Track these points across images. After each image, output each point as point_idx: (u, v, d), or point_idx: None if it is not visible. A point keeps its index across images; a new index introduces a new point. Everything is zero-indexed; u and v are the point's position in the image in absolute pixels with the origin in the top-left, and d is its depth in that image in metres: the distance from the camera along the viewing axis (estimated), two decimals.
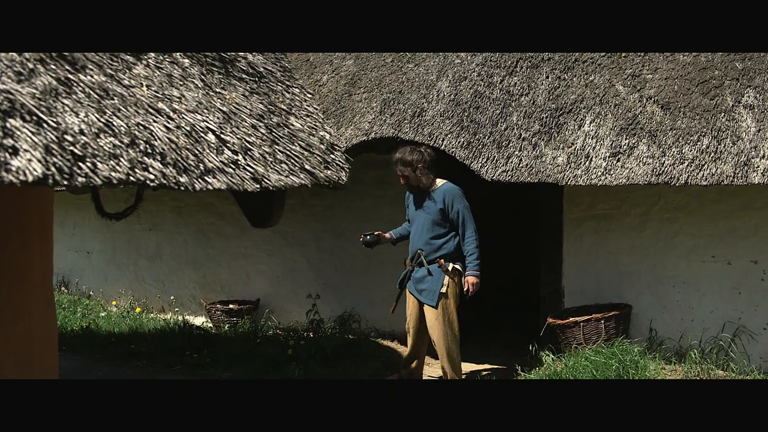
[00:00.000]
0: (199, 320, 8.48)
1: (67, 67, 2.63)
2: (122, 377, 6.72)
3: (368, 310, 7.73)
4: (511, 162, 6.08)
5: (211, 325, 8.15)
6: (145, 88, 2.86)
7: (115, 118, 2.57)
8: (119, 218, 3.95)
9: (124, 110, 2.65)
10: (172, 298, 8.94)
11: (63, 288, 9.91)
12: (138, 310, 8.86)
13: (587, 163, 5.89)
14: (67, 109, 2.45)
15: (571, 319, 6.36)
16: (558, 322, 6.38)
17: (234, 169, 2.87)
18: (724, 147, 5.57)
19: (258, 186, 2.92)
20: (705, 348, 6.15)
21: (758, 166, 5.41)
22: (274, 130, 3.39)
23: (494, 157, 6.13)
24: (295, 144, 3.43)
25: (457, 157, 6.20)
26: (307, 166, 3.34)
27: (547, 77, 6.53)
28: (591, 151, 5.93)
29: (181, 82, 3.13)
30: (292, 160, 3.29)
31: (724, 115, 5.73)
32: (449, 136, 6.31)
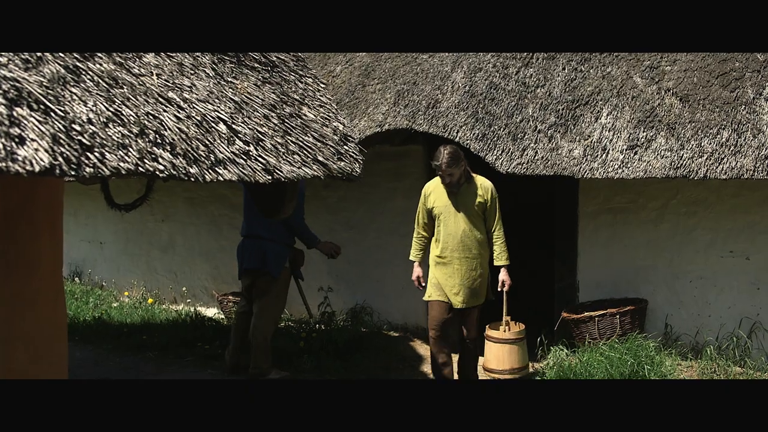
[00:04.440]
0: (211, 311, 8.46)
1: (76, 55, 2.58)
2: (134, 368, 6.72)
3: (381, 302, 7.68)
4: (527, 154, 6.00)
5: (223, 316, 8.13)
6: (155, 77, 2.81)
7: (124, 107, 2.51)
8: (129, 209, 3.90)
9: (134, 99, 2.59)
10: (183, 289, 8.92)
11: (76, 278, 9.91)
12: (150, 301, 8.85)
13: (604, 155, 5.81)
14: (75, 97, 2.40)
15: (585, 313, 6.28)
16: (572, 317, 6.31)
17: (245, 160, 2.81)
18: (744, 140, 5.47)
19: (270, 177, 2.86)
20: (722, 344, 6.06)
21: None
22: (286, 120, 3.33)
23: (509, 149, 6.06)
24: (308, 135, 3.36)
25: (472, 150, 6.12)
26: (320, 158, 3.28)
27: (564, 69, 6.44)
28: (608, 143, 5.85)
29: (192, 71, 3.07)
30: (305, 151, 3.23)
31: (745, 108, 5.63)
32: (464, 128, 6.23)
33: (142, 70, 2.81)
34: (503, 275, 5.61)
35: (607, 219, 6.68)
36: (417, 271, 5.77)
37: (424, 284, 5.73)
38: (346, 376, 6.25)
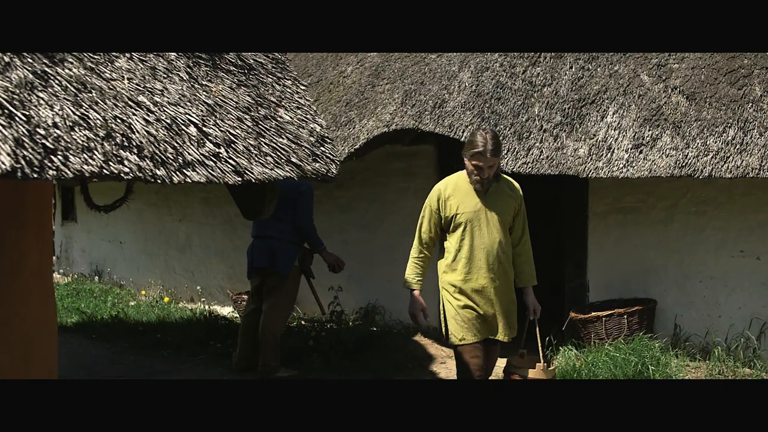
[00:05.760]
0: (226, 310, 8.56)
1: (45, 60, 2.64)
2: (147, 366, 6.82)
3: (392, 302, 7.69)
4: (532, 154, 5.98)
5: (237, 315, 8.21)
6: (126, 81, 2.86)
7: (91, 111, 2.57)
8: (108, 210, 3.96)
9: (102, 103, 2.65)
10: (198, 288, 9.03)
11: (96, 277, 10.08)
12: (166, 299, 8.97)
13: (609, 155, 5.77)
14: (41, 102, 2.45)
15: (593, 313, 6.25)
16: (580, 317, 6.27)
17: (215, 162, 2.85)
18: (750, 138, 5.39)
19: (240, 179, 2.90)
20: (731, 345, 5.98)
21: None
22: (260, 122, 3.37)
23: (515, 148, 6.04)
24: (283, 137, 3.39)
25: None
26: (293, 159, 3.31)
27: (571, 67, 6.40)
28: (613, 142, 5.80)
29: (165, 75, 3.12)
30: (278, 153, 3.26)
31: (752, 106, 5.55)
32: (470, 127, 6.23)
33: (114, 75, 2.88)
34: (533, 300, 4.39)
35: (617, 219, 6.62)
36: (420, 302, 4.34)
37: (429, 318, 4.46)
38: (354, 375, 6.28)
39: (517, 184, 4.43)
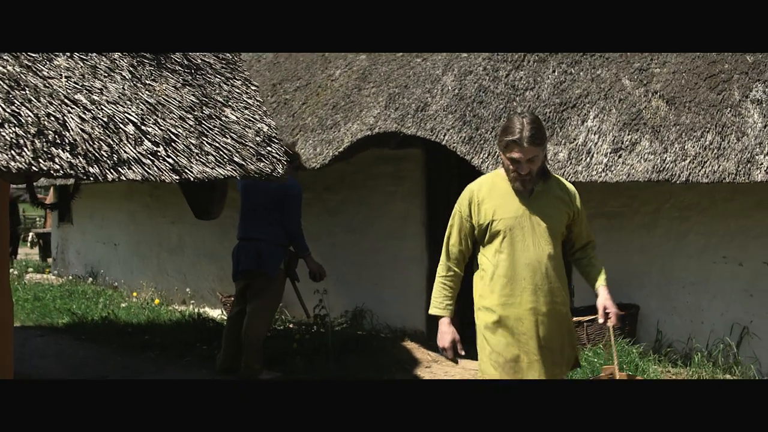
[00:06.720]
0: (216, 312, 8.58)
1: None
2: (133, 367, 6.84)
3: (379, 305, 7.70)
4: None
5: (225, 317, 8.23)
6: (63, 79, 2.89)
7: (23, 108, 2.60)
8: (53, 209, 3.99)
9: (36, 101, 2.68)
10: (187, 290, 9.06)
11: (90, 278, 10.14)
12: (157, 301, 9.01)
13: (588, 158, 5.75)
14: None
15: (574, 318, 6.20)
16: None
17: (152, 161, 2.87)
18: (728, 143, 5.36)
19: (178, 177, 2.92)
20: (712, 351, 5.93)
21: (762, 163, 5.18)
22: (204, 121, 3.39)
23: (495, 152, 6.02)
24: (227, 136, 3.41)
25: (458, 153, 6.12)
26: (236, 159, 3.32)
27: (554, 71, 6.38)
28: (593, 146, 5.79)
29: (106, 74, 3.15)
30: (221, 152, 3.28)
31: (730, 110, 5.51)
32: (451, 131, 6.22)
33: (51, 73, 2.91)
34: (605, 301, 3.45)
35: (601, 223, 6.58)
36: (450, 332, 3.45)
37: (463, 353, 3.49)
38: (336, 378, 6.27)
39: (571, 186, 3.58)
